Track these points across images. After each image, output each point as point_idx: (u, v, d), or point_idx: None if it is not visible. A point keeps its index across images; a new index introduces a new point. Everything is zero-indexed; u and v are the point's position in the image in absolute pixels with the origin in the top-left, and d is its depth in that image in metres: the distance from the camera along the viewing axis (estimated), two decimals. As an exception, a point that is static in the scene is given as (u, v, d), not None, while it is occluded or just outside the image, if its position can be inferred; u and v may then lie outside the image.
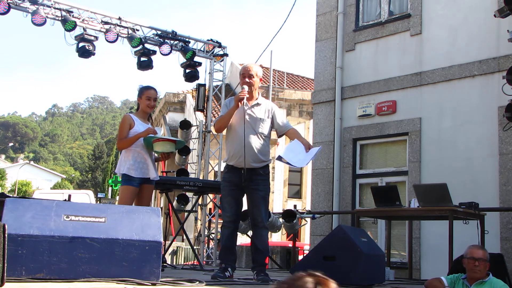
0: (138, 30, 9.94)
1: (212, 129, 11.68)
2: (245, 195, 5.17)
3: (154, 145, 5.29)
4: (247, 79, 5.12)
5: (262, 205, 5.12)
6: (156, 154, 5.53)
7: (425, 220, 7.83)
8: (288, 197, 20.78)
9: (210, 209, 11.73)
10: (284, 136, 5.45)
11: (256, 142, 5.09)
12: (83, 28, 9.32)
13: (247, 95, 5.05)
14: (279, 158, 5.13)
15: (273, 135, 5.45)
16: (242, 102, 5.01)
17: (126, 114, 5.50)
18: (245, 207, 5.29)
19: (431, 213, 6.42)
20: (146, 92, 5.46)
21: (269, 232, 7.92)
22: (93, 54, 9.50)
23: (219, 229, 11.17)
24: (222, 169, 11.07)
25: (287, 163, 5.12)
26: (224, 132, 5.39)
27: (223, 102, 5.35)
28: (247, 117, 5.07)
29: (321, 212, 9.16)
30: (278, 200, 20.35)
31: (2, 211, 3.59)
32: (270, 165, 5.36)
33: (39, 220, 3.60)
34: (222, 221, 5.26)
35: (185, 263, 13.40)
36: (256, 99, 5.20)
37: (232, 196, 5.10)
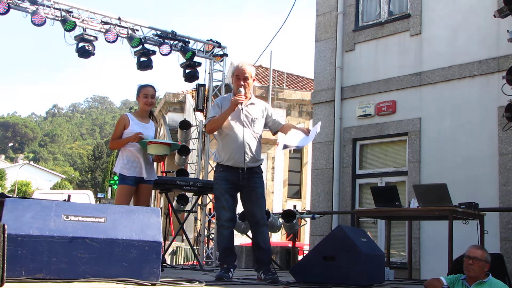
0: (137, 30, 9.94)
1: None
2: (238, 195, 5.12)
3: (148, 147, 5.30)
4: (242, 82, 5.03)
5: (263, 202, 5.10)
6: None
7: (425, 220, 7.83)
8: (287, 197, 20.76)
9: (209, 209, 11.72)
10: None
11: (253, 142, 5.06)
12: (83, 28, 9.33)
13: (244, 99, 5.00)
14: (285, 147, 5.16)
15: (269, 135, 5.44)
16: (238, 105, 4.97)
17: (123, 114, 5.50)
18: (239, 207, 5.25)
19: (430, 213, 6.42)
20: (143, 90, 5.49)
21: (269, 232, 7.89)
22: (93, 54, 9.51)
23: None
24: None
25: (295, 147, 5.14)
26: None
27: (214, 101, 5.22)
28: (243, 117, 5.03)
29: (321, 212, 9.16)
30: (278, 200, 20.34)
31: (2, 211, 3.59)
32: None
33: (39, 220, 3.59)
34: (216, 222, 5.13)
35: (184, 263, 13.41)
36: (250, 98, 5.14)
37: (230, 194, 5.00)
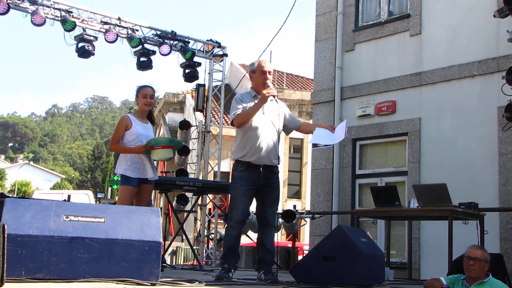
0: (137, 30, 9.95)
1: (212, 129, 11.72)
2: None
3: (152, 153, 5.32)
4: (269, 76, 5.05)
5: (276, 204, 5.11)
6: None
7: (425, 220, 7.83)
8: (287, 197, 20.77)
9: (209, 209, 11.73)
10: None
11: (275, 138, 5.06)
12: (83, 28, 9.33)
13: (275, 92, 5.00)
14: (315, 146, 5.12)
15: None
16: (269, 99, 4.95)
17: (124, 114, 5.50)
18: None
19: (430, 213, 6.42)
20: (142, 91, 5.50)
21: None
22: (93, 54, 9.51)
23: (219, 229, 11.24)
24: (222, 169, 11.16)
25: (325, 146, 5.12)
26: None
27: (234, 98, 5.19)
28: (267, 112, 5.03)
29: (321, 212, 9.16)
30: (278, 200, 20.31)
31: (1, 211, 3.59)
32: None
33: (39, 220, 3.59)
34: (226, 220, 5.08)
35: (184, 263, 13.40)
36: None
37: (248, 196, 4.96)
